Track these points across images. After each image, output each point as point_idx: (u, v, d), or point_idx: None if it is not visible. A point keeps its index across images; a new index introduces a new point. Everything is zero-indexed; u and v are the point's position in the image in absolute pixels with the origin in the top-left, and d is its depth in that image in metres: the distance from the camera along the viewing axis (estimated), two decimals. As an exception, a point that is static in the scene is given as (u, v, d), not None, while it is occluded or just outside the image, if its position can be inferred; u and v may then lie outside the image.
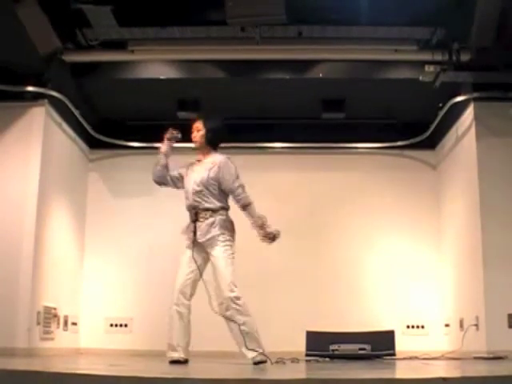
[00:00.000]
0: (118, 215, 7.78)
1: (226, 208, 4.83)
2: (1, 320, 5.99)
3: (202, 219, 4.75)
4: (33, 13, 5.60)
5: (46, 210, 6.61)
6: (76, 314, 7.41)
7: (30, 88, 6.47)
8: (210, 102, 7.30)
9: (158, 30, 6.30)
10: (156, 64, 6.94)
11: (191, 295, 4.73)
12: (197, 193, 4.78)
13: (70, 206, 7.40)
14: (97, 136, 7.76)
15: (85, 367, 3.95)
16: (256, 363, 4.49)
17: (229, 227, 4.79)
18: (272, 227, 4.74)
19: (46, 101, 6.58)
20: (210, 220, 4.74)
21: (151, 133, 7.84)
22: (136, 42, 6.49)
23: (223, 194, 4.82)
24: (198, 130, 4.92)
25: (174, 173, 4.98)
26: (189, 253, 4.75)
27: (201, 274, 4.74)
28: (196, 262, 4.72)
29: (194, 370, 3.97)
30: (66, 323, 7.07)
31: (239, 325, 4.54)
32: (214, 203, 4.78)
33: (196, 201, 4.78)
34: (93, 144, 7.89)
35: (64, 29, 6.10)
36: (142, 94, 7.29)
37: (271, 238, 4.74)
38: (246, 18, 5.72)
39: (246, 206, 4.76)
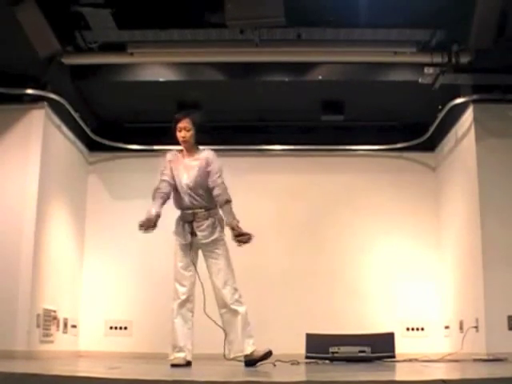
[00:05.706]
0: (117, 218, 7.76)
1: (217, 206, 4.71)
2: (0, 322, 5.98)
3: (199, 219, 4.63)
4: (32, 15, 5.59)
5: (45, 213, 6.61)
6: (76, 317, 7.40)
7: (29, 91, 6.47)
8: (210, 104, 7.30)
9: (158, 33, 6.29)
10: (155, 66, 6.93)
11: (192, 298, 4.71)
12: (191, 191, 4.64)
13: (70, 208, 7.40)
14: (96, 138, 7.76)
15: (84, 370, 3.95)
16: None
17: (223, 226, 4.69)
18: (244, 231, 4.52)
19: (45, 103, 6.58)
20: (210, 220, 4.63)
21: (150, 135, 7.92)
22: (135, 45, 6.48)
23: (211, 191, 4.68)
24: (188, 130, 4.68)
25: (166, 188, 4.71)
26: (185, 257, 4.66)
27: (198, 277, 4.70)
28: (195, 266, 4.66)
29: (194, 372, 3.96)
30: (65, 326, 7.06)
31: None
32: (210, 202, 4.66)
33: (194, 200, 4.65)
34: (92, 146, 7.89)
35: (63, 31, 6.09)
36: (142, 97, 7.30)
37: (244, 240, 4.49)
38: (245, 20, 5.71)
39: (227, 202, 4.58)
